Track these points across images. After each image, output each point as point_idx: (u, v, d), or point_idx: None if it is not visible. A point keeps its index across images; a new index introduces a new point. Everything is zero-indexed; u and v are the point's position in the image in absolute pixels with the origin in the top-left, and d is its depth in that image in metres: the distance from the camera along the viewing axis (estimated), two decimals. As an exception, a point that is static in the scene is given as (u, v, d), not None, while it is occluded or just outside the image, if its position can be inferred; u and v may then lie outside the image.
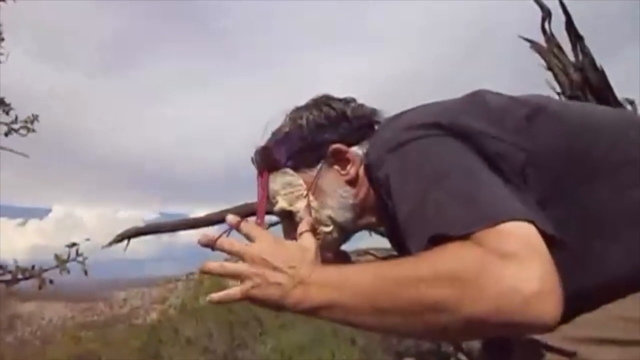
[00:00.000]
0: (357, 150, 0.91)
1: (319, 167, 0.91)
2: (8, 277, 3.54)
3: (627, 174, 0.73)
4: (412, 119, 0.80)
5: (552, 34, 3.50)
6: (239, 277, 0.76)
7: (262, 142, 0.96)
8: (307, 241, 0.79)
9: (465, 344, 3.93)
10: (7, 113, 3.73)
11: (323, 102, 0.94)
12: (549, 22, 3.49)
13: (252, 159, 0.97)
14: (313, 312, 0.71)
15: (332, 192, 0.91)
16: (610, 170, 0.74)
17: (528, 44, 3.56)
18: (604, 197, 0.73)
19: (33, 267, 3.60)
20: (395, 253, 1.00)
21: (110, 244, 4.21)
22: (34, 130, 3.78)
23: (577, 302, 0.70)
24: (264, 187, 0.93)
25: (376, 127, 0.93)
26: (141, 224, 4.36)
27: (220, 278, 0.82)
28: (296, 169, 0.93)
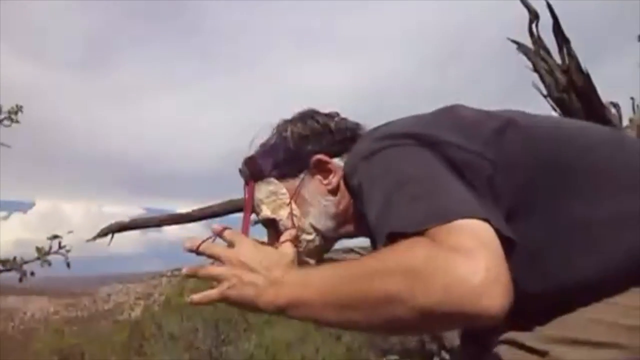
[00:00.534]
0: (339, 162, 0.94)
1: (302, 176, 0.94)
2: (-12, 269, 3.51)
3: (596, 185, 0.76)
4: (386, 131, 0.84)
5: (539, 37, 3.54)
6: (217, 278, 0.79)
7: (249, 153, 0.99)
8: (287, 248, 0.83)
9: (448, 342, 3.97)
10: (-9, 104, 3.72)
11: (308, 115, 0.97)
12: (537, 25, 3.53)
13: (239, 169, 0.99)
14: (283, 310, 0.74)
15: (315, 201, 0.93)
16: (581, 181, 0.76)
17: (515, 46, 3.59)
18: (575, 207, 0.75)
19: (14, 258, 3.57)
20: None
21: (95, 238, 4.19)
22: (17, 122, 3.77)
23: (546, 304, 0.74)
24: (249, 195, 0.96)
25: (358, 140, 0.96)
26: (126, 220, 4.35)
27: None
28: (280, 178, 0.95)
